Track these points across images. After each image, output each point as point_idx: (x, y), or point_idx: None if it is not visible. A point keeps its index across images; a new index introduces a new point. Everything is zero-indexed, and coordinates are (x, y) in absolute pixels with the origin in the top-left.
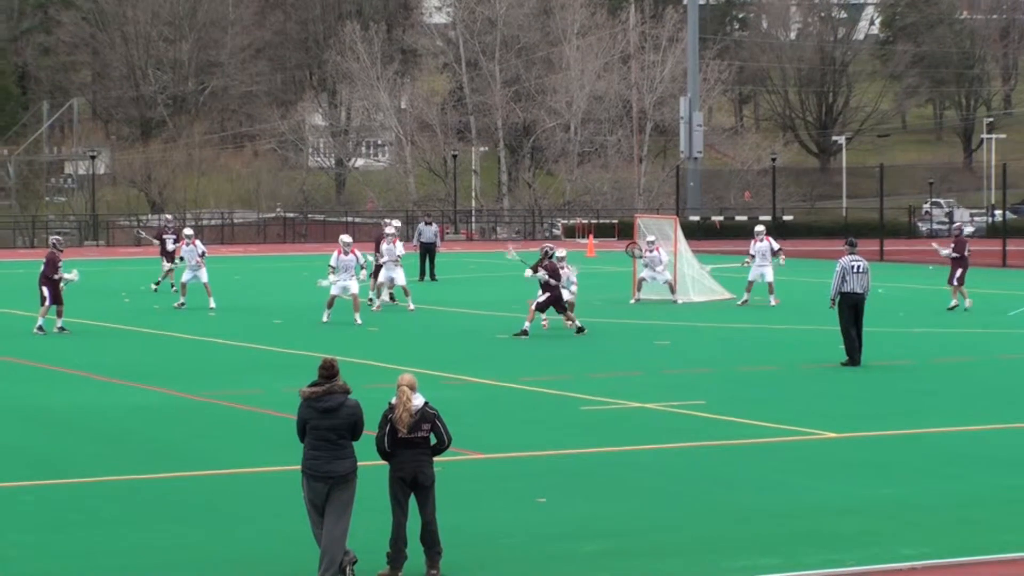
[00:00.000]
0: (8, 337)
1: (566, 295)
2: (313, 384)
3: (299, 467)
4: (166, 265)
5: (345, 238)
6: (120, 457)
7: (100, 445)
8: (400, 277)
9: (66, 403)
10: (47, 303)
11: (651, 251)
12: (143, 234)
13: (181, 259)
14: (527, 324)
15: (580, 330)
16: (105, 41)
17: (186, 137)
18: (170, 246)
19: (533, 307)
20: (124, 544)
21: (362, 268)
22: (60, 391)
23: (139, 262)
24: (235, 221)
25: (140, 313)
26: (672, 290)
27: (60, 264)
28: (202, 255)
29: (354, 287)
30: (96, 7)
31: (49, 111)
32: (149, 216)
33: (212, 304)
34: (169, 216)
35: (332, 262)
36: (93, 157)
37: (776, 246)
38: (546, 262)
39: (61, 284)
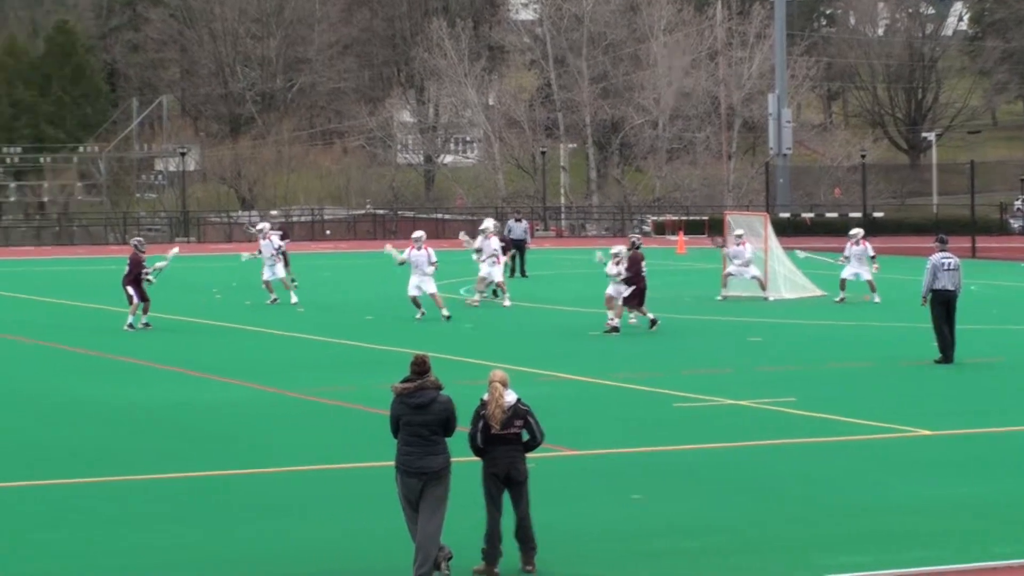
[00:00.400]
0: (99, 333)
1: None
2: (405, 380)
3: (392, 463)
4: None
5: (417, 234)
6: (212, 453)
7: (191, 441)
8: (496, 274)
9: (158, 399)
10: (135, 301)
11: (737, 244)
12: (253, 230)
13: (259, 253)
14: (615, 320)
15: (653, 323)
16: (193, 38)
17: (275, 134)
18: (277, 242)
19: (620, 302)
20: (218, 539)
21: (432, 264)
22: (152, 387)
23: (230, 258)
24: (325, 218)
25: (231, 309)
26: (762, 286)
27: (144, 262)
28: (278, 250)
29: (429, 285)
30: (184, 4)
31: (138, 108)
32: (248, 213)
33: (293, 299)
34: (275, 212)
35: (405, 256)
36: (183, 154)
37: (872, 252)
38: (631, 253)
39: (151, 278)
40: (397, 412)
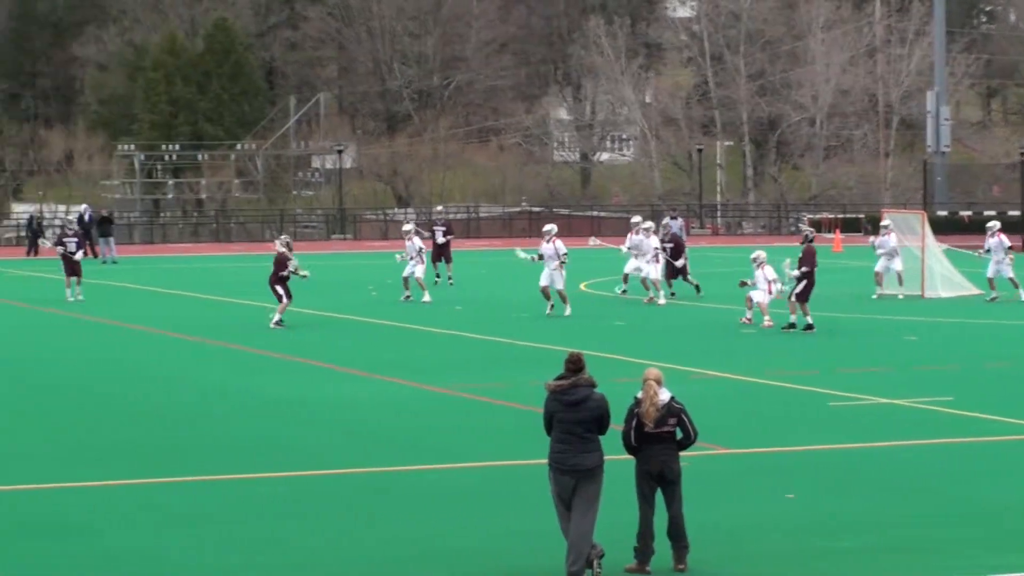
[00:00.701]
0: (256, 330)
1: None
2: (559, 377)
3: (545, 460)
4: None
5: (547, 227)
6: (367, 449)
7: (348, 437)
8: (653, 271)
9: (314, 395)
10: (284, 300)
11: (883, 235)
12: (417, 228)
13: (401, 253)
14: (793, 317)
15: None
16: (351, 36)
17: (431, 131)
18: (440, 239)
19: (794, 299)
20: (374, 535)
21: (560, 259)
22: (307, 383)
23: (386, 255)
24: (480, 215)
25: (386, 306)
26: (900, 281)
27: (291, 261)
28: (420, 251)
29: (558, 281)
30: (342, 2)
31: (296, 106)
32: (402, 210)
33: (426, 298)
34: (440, 207)
35: (542, 250)
36: (340, 151)
37: (1008, 243)
38: (805, 246)
39: (304, 272)
40: (551, 409)
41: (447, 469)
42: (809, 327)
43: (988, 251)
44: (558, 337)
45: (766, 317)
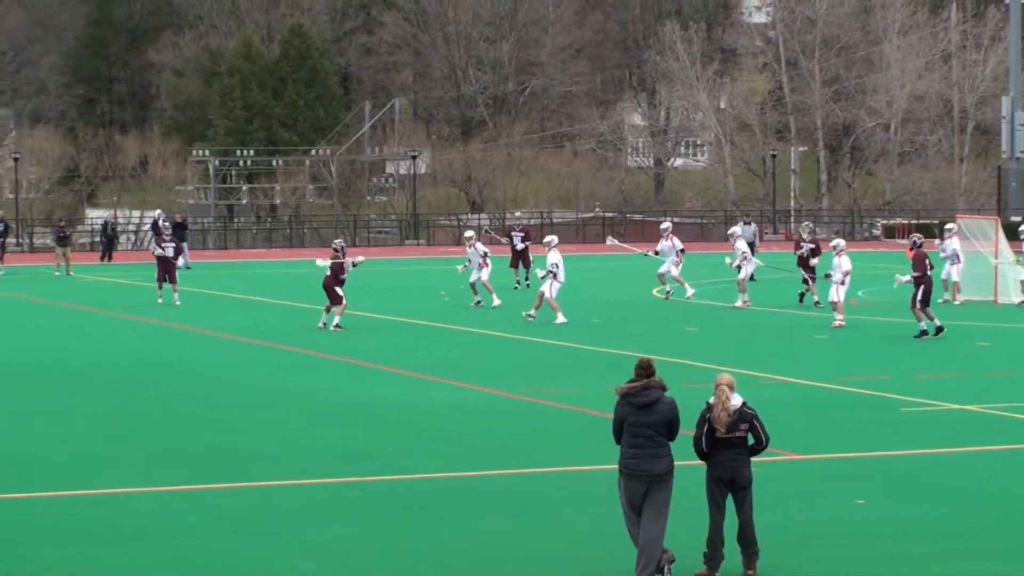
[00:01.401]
0: (329, 334)
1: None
2: (630, 381)
3: (616, 466)
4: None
5: (665, 225)
6: (442, 454)
7: (422, 441)
8: (674, 269)
9: (387, 399)
10: (343, 302)
11: (948, 237)
12: (493, 233)
13: (469, 261)
14: (922, 324)
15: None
16: (426, 41)
17: (506, 137)
18: (519, 244)
19: (916, 307)
20: (445, 539)
21: (679, 254)
22: (381, 387)
23: (459, 261)
24: (554, 220)
25: (459, 311)
26: (954, 289)
27: (345, 264)
28: (484, 256)
29: (674, 270)
30: (418, 7)
31: (371, 111)
32: (475, 215)
33: (496, 302)
34: (519, 213)
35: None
36: (414, 157)
37: None
38: (915, 252)
39: (354, 267)
40: (622, 414)
41: (519, 474)
42: (923, 333)
43: None
44: (629, 343)
45: (839, 316)
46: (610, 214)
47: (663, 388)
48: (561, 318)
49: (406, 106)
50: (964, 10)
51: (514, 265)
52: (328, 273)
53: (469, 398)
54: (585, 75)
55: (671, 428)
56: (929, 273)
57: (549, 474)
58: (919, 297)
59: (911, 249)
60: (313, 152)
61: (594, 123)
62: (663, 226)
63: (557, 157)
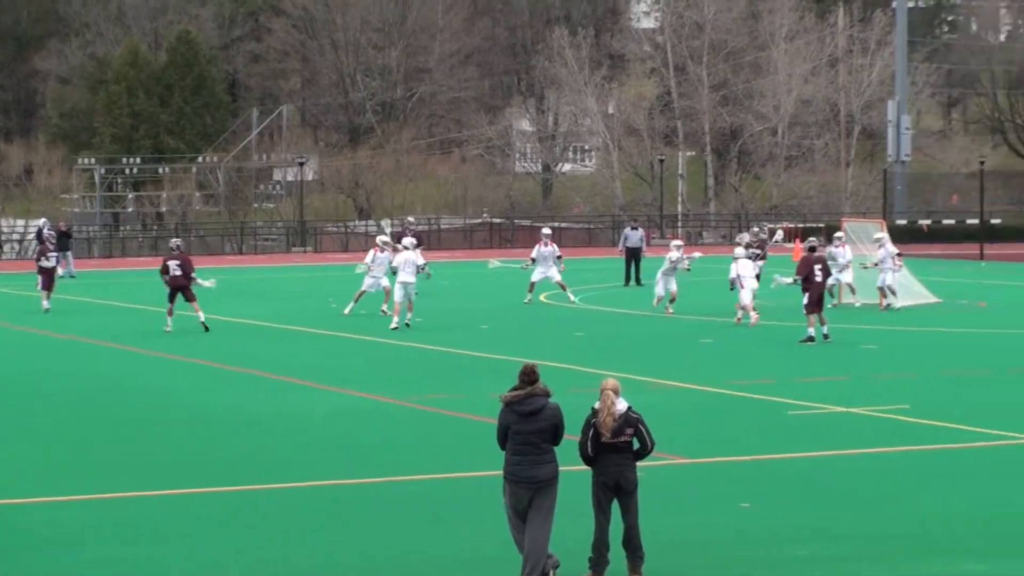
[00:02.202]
0: (215, 342)
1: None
2: (514, 389)
3: (501, 472)
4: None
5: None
6: (330, 461)
7: (311, 449)
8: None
9: (277, 407)
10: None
11: (836, 246)
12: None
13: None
14: (811, 330)
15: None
16: (315, 48)
17: (394, 143)
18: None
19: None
20: (334, 547)
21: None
22: (271, 395)
23: (346, 268)
24: (442, 227)
25: (346, 318)
26: (852, 291)
27: (168, 264)
28: (389, 263)
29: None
30: (306, 14)
31: (258, 118)
32: (362, 222)
33: (385, 308)
34: (412, 219)
35: (533, 254)
36: (301, 164)
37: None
38: (804, 255)
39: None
40: (506, 421)
41: (408, 481)
42: (810, 339)
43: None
44: (517, 349)
45: (750, 315)
46: (498, 220)
47: (547, 395)
48: (396, 322)
49: (294, 113)
50: (851, 15)
51: None
52: (179, 273)
53: (358, 405)
54: (473, 81)
55: (555, 434)
56: (817, 278)
57: (438, 481)
58: (805, 302)
59: (808, 251)
60: (200, 159)
61: (482, 129)
62: (544, 231)
63: (445, 163)
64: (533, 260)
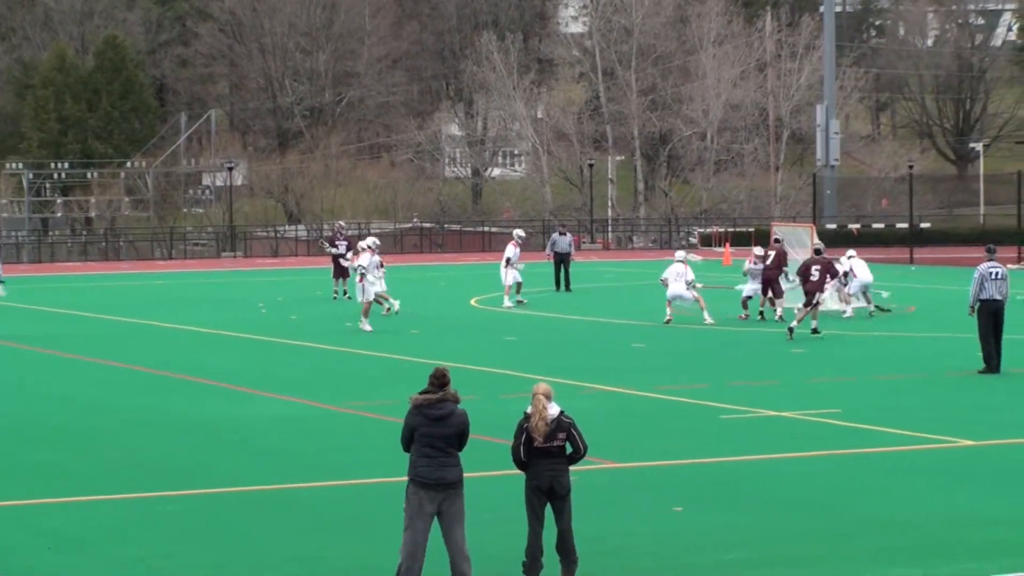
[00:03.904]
0: (143, 347)
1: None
2: (424, 392)
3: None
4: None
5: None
6: (261, 468)
7: (241, 456)
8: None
9: (205, 414)
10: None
11: (755, 264)
12: (326, 245)
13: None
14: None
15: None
16: (242, 53)
17: (323, 148)
18: (343, 251)
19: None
20: (265, 554)
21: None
22: (204, 402)
23: (276, 273)
24: (372, 231)
25: (277, 323)
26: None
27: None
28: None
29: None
30: (233, 19)
31: (187, 123)
32: (292, 226)
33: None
34: (342, 223)
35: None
36: (230, 168)
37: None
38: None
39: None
40: (413, 423)
41: (344, 486)
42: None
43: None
44: (449, 353)
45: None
46: (428, 224)
47: (457, 400)
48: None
49: (222, 117)
50: (779, 19)
51: (336, 276)
52: None
53: (292, 412)
54: (402, 85)
55: (462, 439)
56: (813, 278)
57: (374, 486)
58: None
59: (814, 252)
60: (128, 164)
61: (411, 133)
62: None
63: (374, 168)
64: (508, 261)
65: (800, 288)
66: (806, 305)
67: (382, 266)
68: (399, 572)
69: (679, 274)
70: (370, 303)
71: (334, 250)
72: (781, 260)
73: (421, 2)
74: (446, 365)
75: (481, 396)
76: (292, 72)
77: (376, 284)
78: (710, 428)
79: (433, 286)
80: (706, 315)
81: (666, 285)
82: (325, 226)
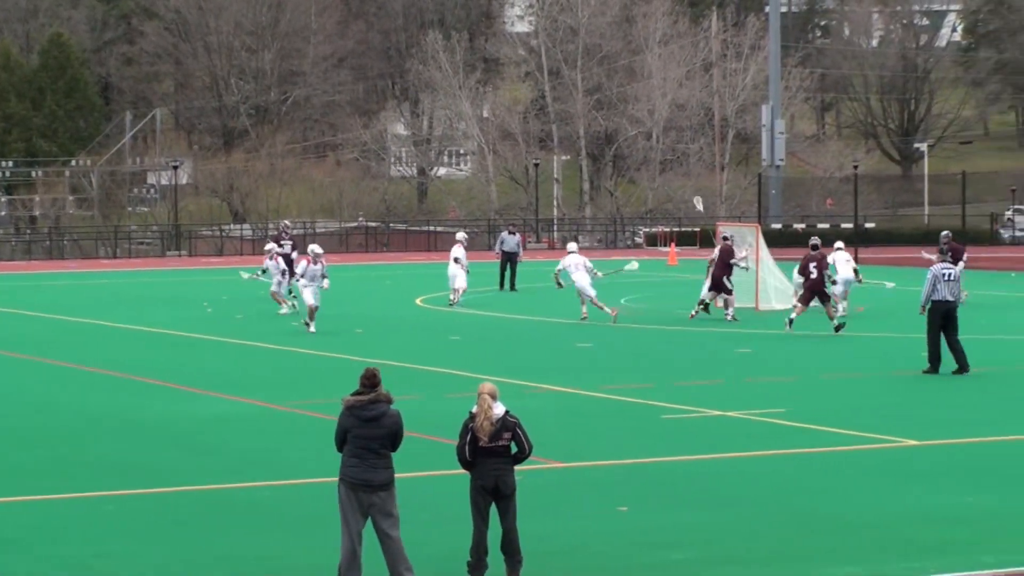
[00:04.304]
0: (87, 346)
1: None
2: (356, 393)
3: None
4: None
5: (460, 234)
6: (205, 466)
7: (185, 454)
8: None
9: (150, 413)
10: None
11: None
12: (259, 275)
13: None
14: (792, 315)
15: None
16: (188, 51)
17: (268, 147)
18: (289, 251)
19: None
20: (208, 554)
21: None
22: (147, 400)
23: (221, 272)
24: (317, 231)
25: (222, 322)
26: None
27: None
28: (284, 272)
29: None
30: (179, 17)
31: (132, 122)
32: (237, 226)
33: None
34: (287, 222)
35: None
36: (175, 167)
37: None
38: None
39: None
40: (346, 424)
41: (287, 485)
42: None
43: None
44: (393, 353)
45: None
46: (373, 224)
47: (389, 401)
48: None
49: (167, 116)
50: (724, 19)
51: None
52: None
53: (235, 410)
54: (348, 84)
55: (395, 440)
56: (812, 275)
57: (317, 485)
58: (802, 293)
59: (811, 249)
60: (73, 163)
61: (357, 133)
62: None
63: (320, 167)
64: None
65: (800, 288)
66: (803, 302)
67: (325, 276)
68: (340, 570)
69: (579, 264)
70: (314, 308)
71: (273, 264)
72: (727, 257)
73: (367, 1)
74: (378, 365)
75: (426, 395)
76: (238, 71)
77: (307, 288)
78: (656, 428)
79: (378, 285)
80: (608, 309)
81: (560, 285)
82: (270, 225)
